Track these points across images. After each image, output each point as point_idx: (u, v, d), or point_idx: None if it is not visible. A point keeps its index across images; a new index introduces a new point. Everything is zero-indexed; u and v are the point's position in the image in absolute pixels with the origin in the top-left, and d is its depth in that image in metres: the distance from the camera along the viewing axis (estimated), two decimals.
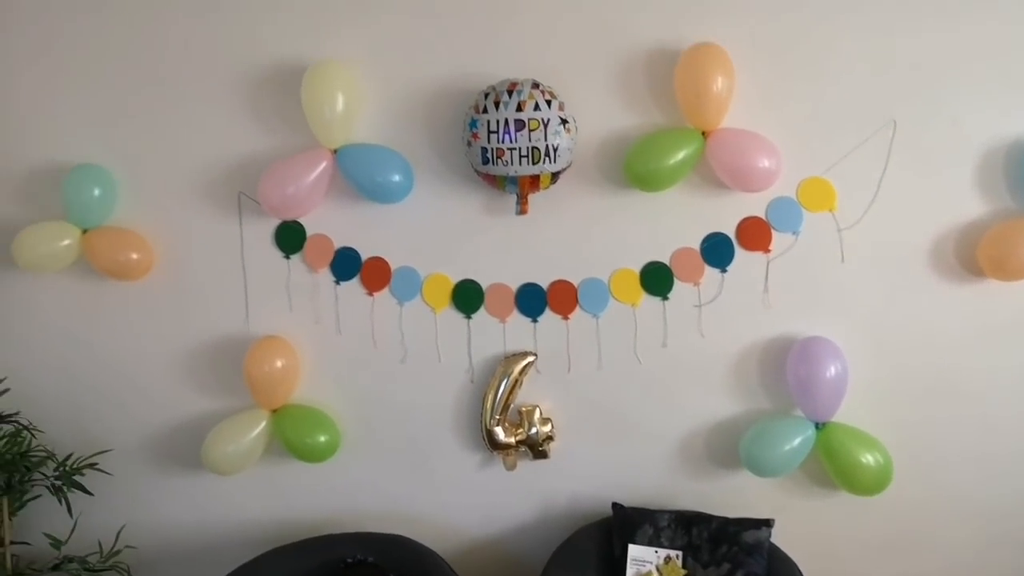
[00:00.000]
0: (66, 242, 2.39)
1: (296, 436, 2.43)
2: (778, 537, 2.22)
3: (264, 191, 2.32)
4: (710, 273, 2.39)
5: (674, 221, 2.37)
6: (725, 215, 2.37)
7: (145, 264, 2.47)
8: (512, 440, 2.45)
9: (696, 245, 2.38)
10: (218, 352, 2.52)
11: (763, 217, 2.35)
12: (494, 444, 2.45)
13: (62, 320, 2.54)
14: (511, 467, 2.49)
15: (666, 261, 2.39)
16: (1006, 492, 2.38)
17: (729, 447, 2.41)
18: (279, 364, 2.41)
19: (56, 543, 2.43)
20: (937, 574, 2.43)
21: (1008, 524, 2.40)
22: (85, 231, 2.42)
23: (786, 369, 2.32)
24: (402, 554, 2.33)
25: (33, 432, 2.49)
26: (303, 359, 2.49)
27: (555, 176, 2.26)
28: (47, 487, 2.46)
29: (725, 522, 2.23)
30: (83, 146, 2.46)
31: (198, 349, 2.53)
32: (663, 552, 2.22)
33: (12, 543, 2.44)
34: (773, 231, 2.35)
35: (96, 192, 2.41)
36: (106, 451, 2.54)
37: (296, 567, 2.28)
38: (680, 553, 2.22)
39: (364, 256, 2.47)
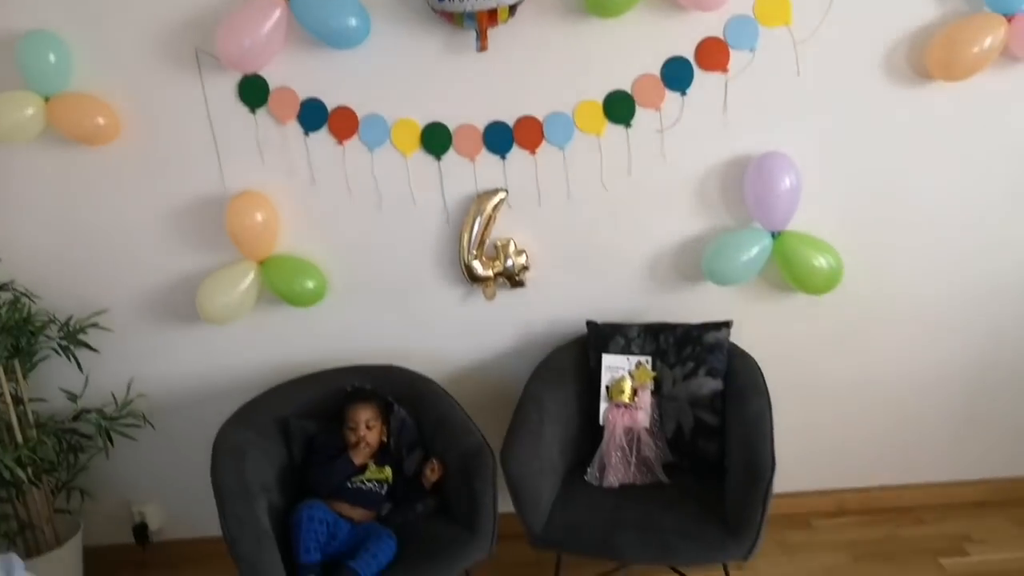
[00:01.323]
0: (30, 111, 2.39)
1: (285, 284, 2.56)
2: (738, 338, 2.43)
3: (221, 45, 2.31)
4: (671, 97, 2.45)
5: (634, 47, 2.41)
6: (683, 38, 2.40)
7: (112, 129, 2.48)
8: (490, 272, 2.60)
9: (656, 71, 2.43)
10: (198, 210, 2.59)
11: (721, 37, 2.39)
12: (473, 277, 2.60)
13: (40, 190, 2.58)
14: (491, 297, 2.65)
15: (628, 89, 2.45)
16: (950, 287, 2.59)
17: (693, 263, 2.58)
18: (259, 217, 2.50)
19: (72, 396, 2.61)
20: (882, 365, 2.68)
21: (951, 317, 2.62)
22: (47, 99, 2.41)
23: (744, 187, 2.44)
24: (397, 381, 2.53)
25: (32, 298, 2.61)
26: (281, 211, 2.58)
27: (512, 9, 2.26)
28: (54, 348, 2.61)
29: (689, 328, 2.43)
30: (34, 11, 2.41)
31: (179, 208, 2.60)
32: (634, 359, 2.43)
33: (30, 400, 2.62)
34: (731, 50, 2.40)
35: (51, 58, 2.38)
36: (103, 311, 2.67)
37: (298, 400, 2.48)
38: (649, 358, 2.43)
39: (330, 106, 2.49)
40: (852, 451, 2.78)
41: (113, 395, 2.70)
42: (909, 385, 2.70)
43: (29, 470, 2.52)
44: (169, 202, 2.59)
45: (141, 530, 2.97)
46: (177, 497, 2.96)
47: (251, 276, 2.55)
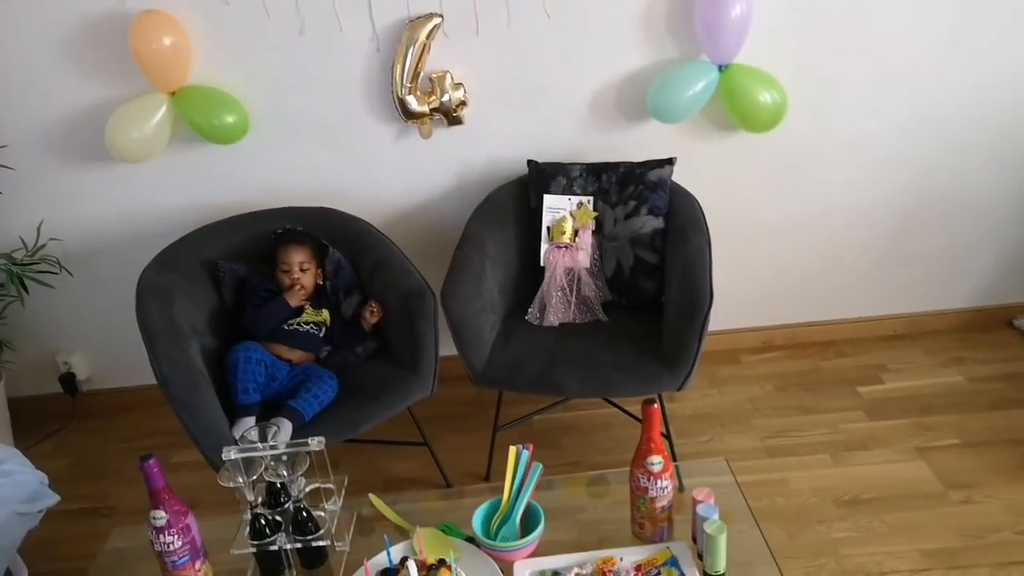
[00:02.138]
0: None
1: (201, 118, 2.36)
2: (680, 177, 2.39)
3: None
4: None
5: None
6: None
7: None
8: (426, 108, 2.45)
9: None
10: (97, 33, 2.32)
11: None
12: (408, 114, 2.45)
13: None
14: (427, 135, 2.52)
15: None
16: (888, 126, 2.58)
17: (637, 99, 2.48)
18: (167, 42, 2.26)
19: None
20: (817, 204, 2.71)
21: (887, 156, 2.64)
22: None
23: (693, 13, 2.32)
24: (331, 223, 2.43)
25: None
26: (192, 35, 2.34)
27: None
28: None
29: (631, 166, 2.38)
30: None
31: (76, 31, 2.32)
32: (575, 199, 2.38)
33: None
34: None
35: None
36: (2, 147, 2.44)
37: (225, 241, 2.36)
38: (591, 198, 2.38)
39: None
40: (781, 290, 2.86)
41: (22, 239, 2.52)
42: (840, 224, 2.74)
43: None
44: (65, 23, 2.32)
45: (69, 380, 2.89)
46: (103, 346, 2.86)
47: (163, 109, 2.34)
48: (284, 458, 1.47)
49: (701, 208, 2.32)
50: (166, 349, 1.98)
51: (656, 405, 1.40)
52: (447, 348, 2.20)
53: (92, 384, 2.95)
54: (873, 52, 2.46)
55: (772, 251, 2.79)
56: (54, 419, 2.91)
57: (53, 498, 2.04)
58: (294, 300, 2.26)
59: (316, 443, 1.44)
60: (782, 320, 2.93)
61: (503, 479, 1.52)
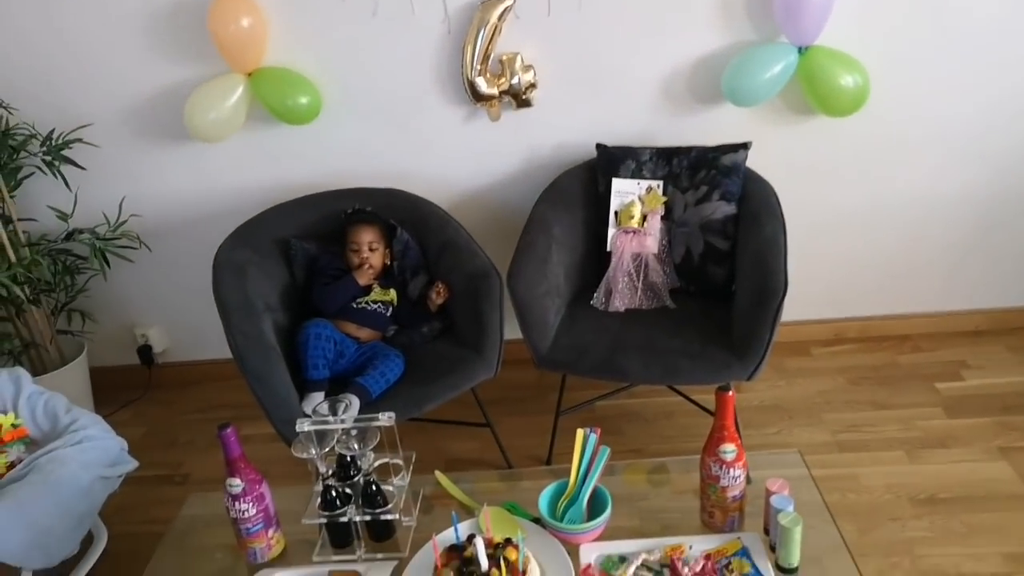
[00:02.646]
0: None
1: (277, 98, 2.41)
2: (754, 162, 2.33)
3: None
4: None
5: None
6: None
7: None
8: (495, 91, 2.44)
9: None
10: (177, 15, 2.38)
11: None
12: (477, 96, 2.45)
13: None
14: (495, 118, 2.52)
15: None
16: (974, 112, 2.47)
17: (711, 82, 2.42)
18: (245, 23, 2.30)
19: (63, 215, 2.53)
20: (896, 192, 2.61)
21: (972, 143, 2.52)
22: None
23: None
24: (399, 204, 2.44)
25: (9, 109, 2.45)
26: (268, 17, 2.38)
27: None
28: (37, 166, 2.50)
29: (704, 150, 2.32)
30: None
31: (158, 13, 2.39)
32: (644, 183, 2.35)
33: (19, 220, 2.53)
34: None
35: None
36: (87, 125, 2.53)
37: (298, 220, 2.41)
38: (661, 183, 2.34)
39: None
40: (855, 281, 2.77)
41: (105, 215, 2.61)
42: (921, 213, 2.63)
43: (26, 288, 2.48)
44: (148, 7, 2.38)
45: (146, 352, 3.00)
46: (180, 320, 2.96)
47: (240, 89, 2.39)
48: (354, 432, 1.49)
49: (776, 194, 2.26)
50: (240, 322, 2.03)
51: (731, 392, 1.37)
52: (511, 331, 2.20)
53: (167, 357, 3.05)
54: (962, 33, 2.35)
55: (848, 241, 2.70)
56: (131, 389, 3.02)
57: (132, 463, 2.12)
58: (363, 279, 2.29)
59: (386, 418, 1.46)
60: (855, 312, 2.84)
61: (564, 463, 1.51)
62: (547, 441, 2.40)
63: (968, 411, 2.41)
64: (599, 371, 2.15)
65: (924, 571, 1.88)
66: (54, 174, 2.47)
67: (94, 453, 1.99)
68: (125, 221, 2.62)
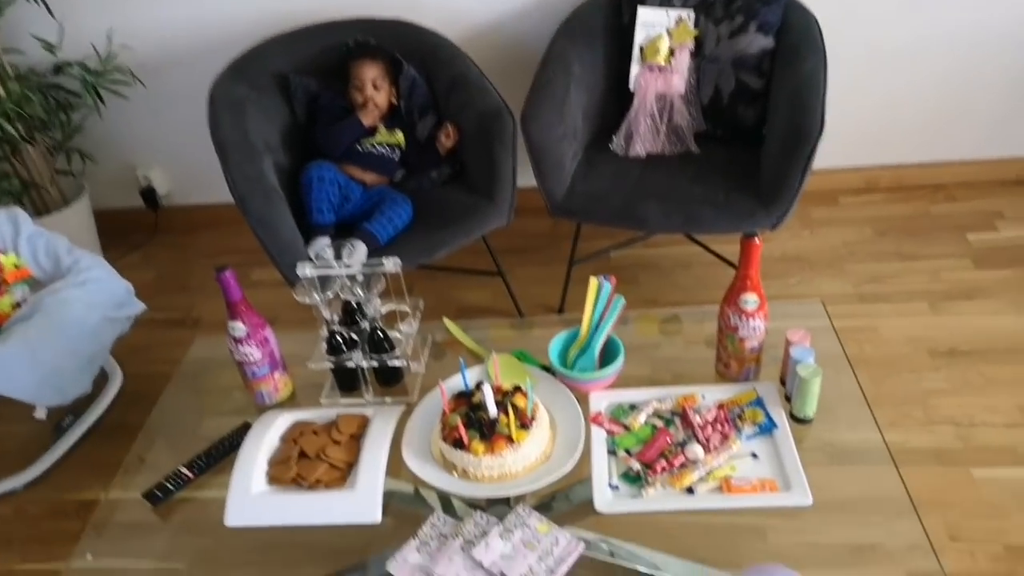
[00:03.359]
0: None
1: None
2: None
3: None
4: None
5: None
6: None
7: None
8: None
9: None
10: None
11: None
12: None
13: None
14: None
15: None
16: None
17: None
18: None
19: (49, 46, 2.38)
20: (947, 29, 2.38)
21: None
22: None
23: None
24: (406, 37, 2.26)
25: None
26: None
27: None
28: None
29: None
30: None
31: None
32: (674, 12, 2.14)
33: (5, 50, 2.38)
34: None
35: None
36: None
37: (296, 53, 2.24)
38: (692, 12, 2.13)
39: None
40: (891, 126, 2.60)
41: (94, 47, 2.45)
42: (967, 51, 2.42)
43: (19, 126, 2.37)
44: None
45: (149, 194, 2.93)
46: (182, 162, 2.86)
47: None
48: (359, 278, 1.43)
49: (819, 25, 2.05)
50: (240, 163, 1.94)
51: (758, 240, 1.28)
52: (525, 178, 2.09)
53: (172, 199, 2.98)
54: None
55: (887, 81, 2.50)
56: (138, 232, 2.98)
57: (139, 306, 2.10)
58: (367, 119, 2.15)
59: (392, 263, 1.39)
60: (889, 160, 2.69)
61: (577, 312, 1.45)
62: (560, 291, 2.36)
63: (998, 263, 2.32)
64: (617, 220, 2.06)
65: (936, 421, 1.86)
66: (36, 1, 2.29)
67: (99, 295, 1.96)
68: (116, 55, 2.46)
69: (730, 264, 2.33)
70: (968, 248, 2.39)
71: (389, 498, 1.28)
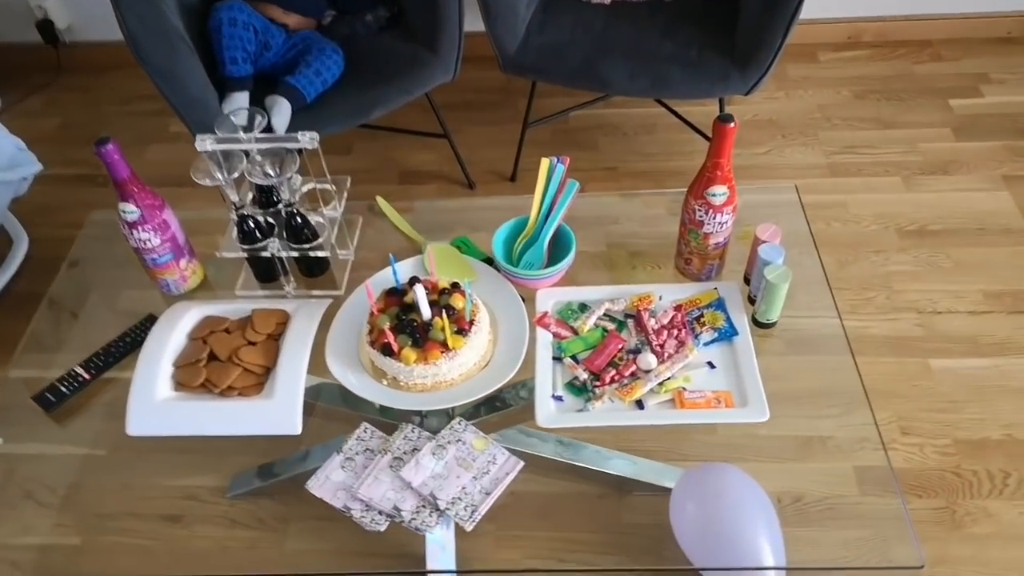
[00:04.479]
0: None
1: None
2: None
3: None
4: None
5: None
6: None
7: None
8: None
9: None
10: None
11: None
12: None
13: None
14: None
15: None
16: None
17: None
18: None
19: None
20: None
21: None
22: None
23: None
24: None
25: None
26: None
27: None
28: None
29: None
30: None
31: None
32: None
33: None
34: None
35: None
36: None
37: None
38: None
39: None
40: None
41: None
42: None
43: None
44: None
45: (47, 28, 2.56)
46: None
47: None
48: (267, 155, 1.22)
49: None
50: (132, 1, 1.63)
51: (733, 124, 1.10)
52: (474, 22, 1.83)
53: (75, 35, 2.62)
54: None
55: None
56: (39, 72, 2.64)
57: (35, 166, 1.86)
58: None
59: (308, 139, 1.18)
60: (875, 11, 2.45)
61: (531, 181, 1.27)
62: (512, 154, 2.16)
63: (979, 133, 2.18)
64: (576, 79, 1.84)
65: (898, 307, 1.79)
66: None
67: None
68: None
69: (697, 132, 2.14)
70: (950, 116, 2.23)
71: (317, 393, 1.17)
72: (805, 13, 2.30)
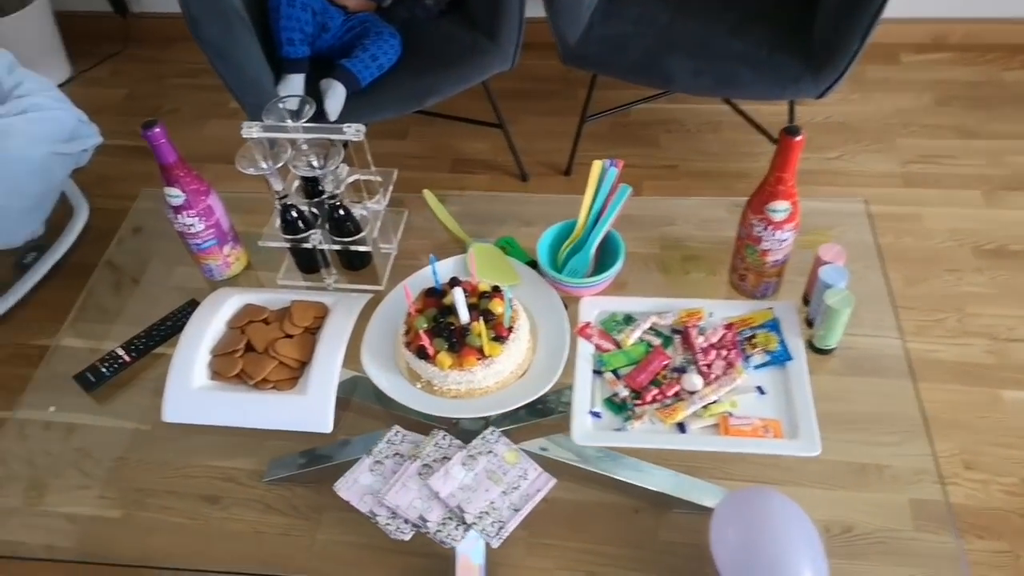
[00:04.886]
0: None
1: None
2: None
3: None
4: None
5: None
6: None
7: None
8: None
9: None
10: None
11: None
12: None
13: None
14: None
15: None
16: None
17: None
18: None
19: None
20: None
21: None
22: None
23: None
24: None
25: None
26: None
27: None
28: None
29: None
30: None
31: None
32: None
33: None
34: None
35: None
36: None
37: None
38: None
39: None
40: None
41: None
42: None
43: None
44: None
45: None
46: None
47: None
48: (312, 146, 1.19)
49: None
50: None
51: (801, 137, 1.03)
52: (536, 8, 1.77)
53: (143, 5, 2.65)
54: None
55: None
56: (108, 42, 2.68)
57: (95, 138, 1.89)
58: None
59: (354, 131, 1.15)
60: (964, 11, 2.30)
61: (586, 176, 1.21)
62: (569, 146, 2.10)
63: None
64: (638, 74, 1.77)
65: (969, 331, 1.68)
66: None
67: (44, 125, 1.74)
68: None
69: (764, 133, 2.05)
70: None
71: (353, 388, 1.16)
72: (888, 10, 2.18)
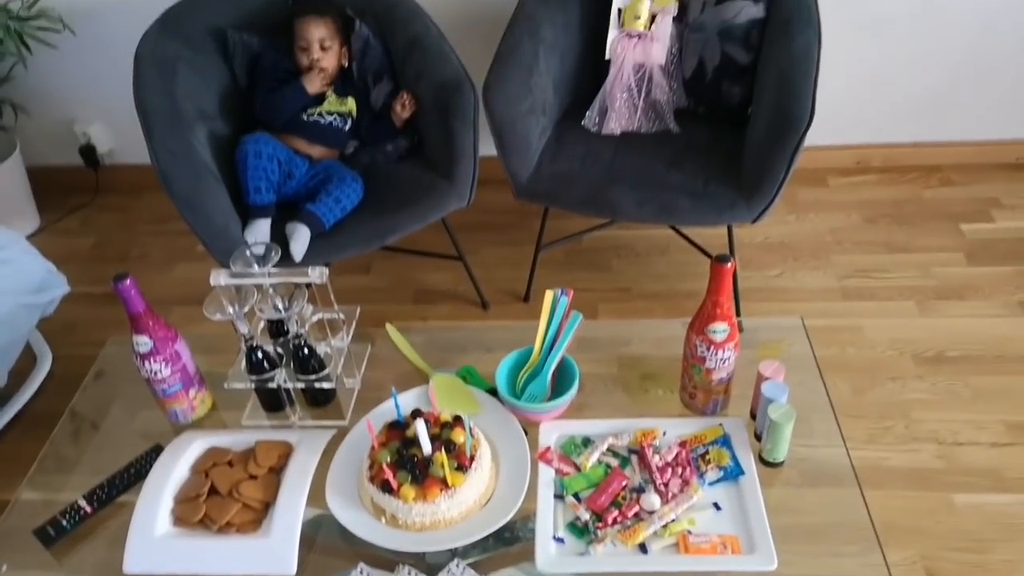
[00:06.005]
0: None
1: None
2: None
3: None
4: None
5: None
6: None
7: None
8: None
9: None
10: None
11: None
12: None
13: None
14: None
15: None
16: None
17: None
18: None
19: None
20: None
21: None
22: None
23: None
24: None
25: None
26: None
27: None
28: None
29: None
30: None
31: None
32: None
33: None
34: None
35: None
36: None
37: (234, 5, 2.00)
38: None
39: None
40: (887, 102, 2.41)
41: None
42: (970, 27, 2.23)
43: None
44: None
45: (89, 152, 2.71)
46: (122, 117, 2.57)
47: None
48: (277, 288, 1.25)
49: None
50: (164, 136, 1.73)
51: (730, 264, 1.12)
52: (491, 146, 1.90)
53: (115, 158, 2.77)
54: None
55: (884, 53, 2.31)
56: (78, 193, 2.77)
57: (63, 288, 1.93)
58: (313, 85, 1.94)
59: (318, 275, 1.22)
60: (883, 138, 2.51)
61: (542, 303, 1.28)
62: (526, 274, 2.20)
63: (992, 258, 2.18)
64: (586, 206, 1.89)
65: (918, 437, 1.74)
66: None
67: (12, 279, 1.78)
68: None
69: (707, 255, 2.17)
70: (962, 240, 2.24)
71: (318, 526, 1.16)
72: (813, 140, 2.36)
